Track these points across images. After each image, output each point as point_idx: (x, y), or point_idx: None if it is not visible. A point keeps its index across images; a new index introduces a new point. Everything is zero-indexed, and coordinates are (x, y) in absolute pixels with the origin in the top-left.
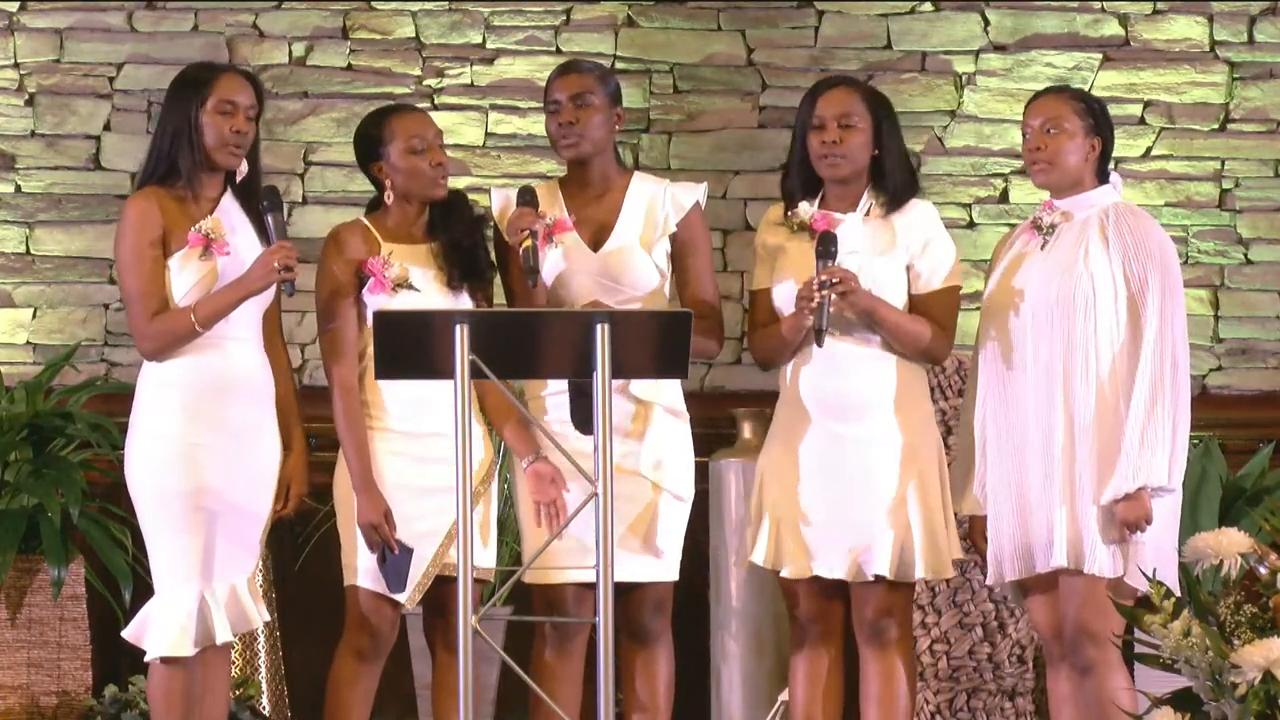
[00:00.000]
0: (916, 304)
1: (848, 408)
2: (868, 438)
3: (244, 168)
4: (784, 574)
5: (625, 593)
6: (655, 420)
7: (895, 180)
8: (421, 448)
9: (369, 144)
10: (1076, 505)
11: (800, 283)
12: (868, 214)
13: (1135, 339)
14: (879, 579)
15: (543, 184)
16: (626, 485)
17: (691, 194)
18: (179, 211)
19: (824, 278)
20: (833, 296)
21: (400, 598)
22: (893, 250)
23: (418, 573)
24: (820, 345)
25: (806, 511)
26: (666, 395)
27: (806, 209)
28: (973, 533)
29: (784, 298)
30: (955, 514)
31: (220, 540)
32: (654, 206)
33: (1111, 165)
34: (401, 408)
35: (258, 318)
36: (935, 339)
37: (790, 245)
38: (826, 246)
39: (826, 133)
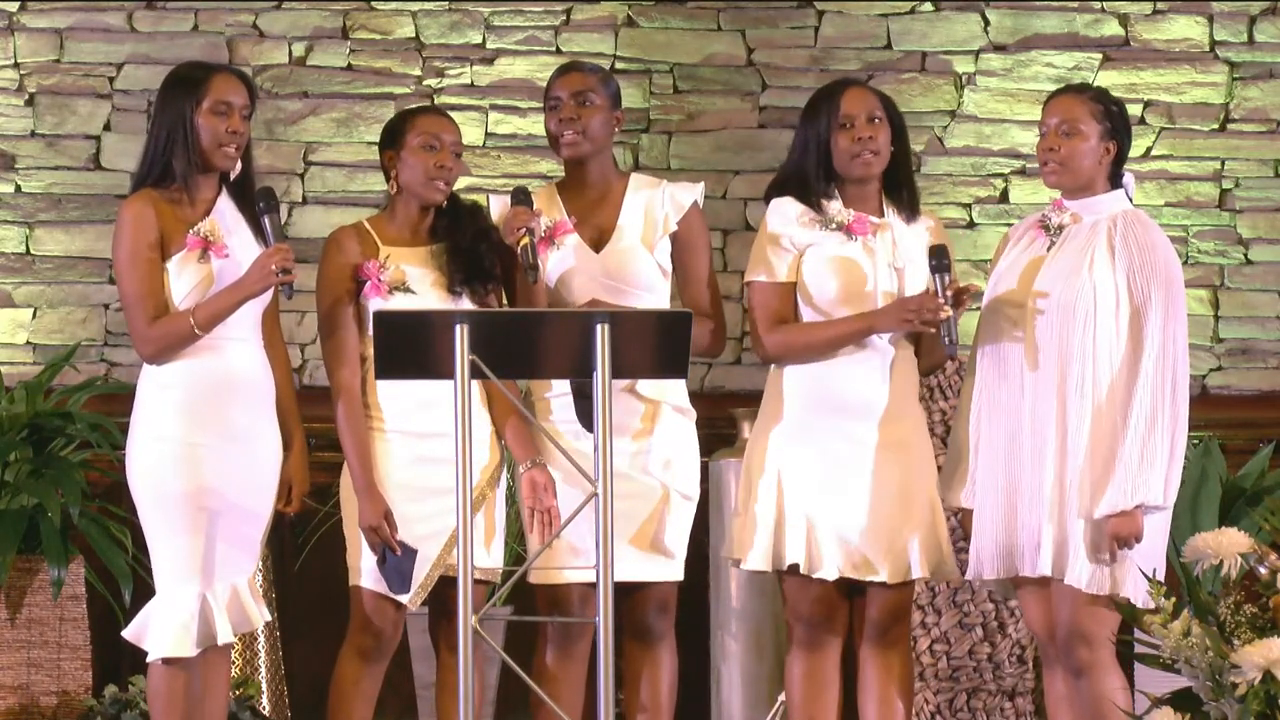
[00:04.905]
0: None
1: (868, 409)
2: (887, 439)
3: (238, 167)
4: (817, 575)
5: (631, 592)
6: (664, 419)
7: (909, 185)
8: (425, 448)
9: (390, 133)
10: (1065, 516)
11: (851, 283)
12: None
13: (1135, 353)
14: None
15: (540, 188)
16: (636, 484)
17: (690, 193)
18: (175, 214)
19: (957, 292)
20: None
21: (403, 599)
22: (921, 258)
23: (421, 573)
24: (954, 358)
25: (840, 514)
26: (674, 394)
27: (841, 209)
28: (965, 526)
29: (822, 297)
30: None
31: (221, 541)
32: (653, 206)
33: None
34: (405, 409)
35: (257, 318)
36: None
37: (827, 244)
38: (940, 260)
39: (859, 129)
